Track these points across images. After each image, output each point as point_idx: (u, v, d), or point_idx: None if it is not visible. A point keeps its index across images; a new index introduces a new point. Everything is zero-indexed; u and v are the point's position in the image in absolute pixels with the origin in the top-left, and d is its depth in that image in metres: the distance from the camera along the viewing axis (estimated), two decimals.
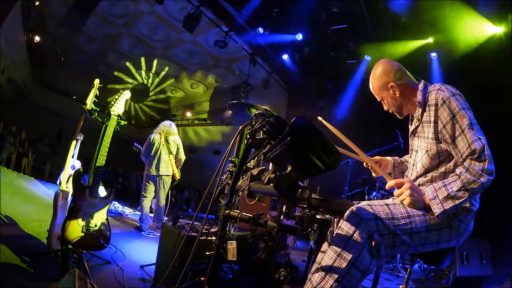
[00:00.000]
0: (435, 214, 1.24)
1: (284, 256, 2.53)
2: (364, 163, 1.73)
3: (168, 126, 4.68)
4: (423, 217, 1.27)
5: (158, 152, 4.48)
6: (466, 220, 1.33)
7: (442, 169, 1.39)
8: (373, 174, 1.76)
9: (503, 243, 3.99)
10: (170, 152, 4.52)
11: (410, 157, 1.59)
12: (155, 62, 11.79)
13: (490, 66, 4.90)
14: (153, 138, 4.53)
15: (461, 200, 1.21)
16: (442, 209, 1.22)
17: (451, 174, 1.29)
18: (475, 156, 1.22)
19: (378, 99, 1.61)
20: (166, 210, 4.68)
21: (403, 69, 1.53)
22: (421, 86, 1.47)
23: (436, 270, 4.02)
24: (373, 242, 1.20)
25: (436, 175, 1.40)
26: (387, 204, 1.30)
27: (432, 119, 1.37)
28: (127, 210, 5.85)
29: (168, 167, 4.51)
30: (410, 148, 1.60)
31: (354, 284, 1.18)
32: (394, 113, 1.60)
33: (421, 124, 1.46)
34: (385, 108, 1.61)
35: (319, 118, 1.55)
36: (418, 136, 1.50)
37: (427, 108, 1.41)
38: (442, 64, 5.85)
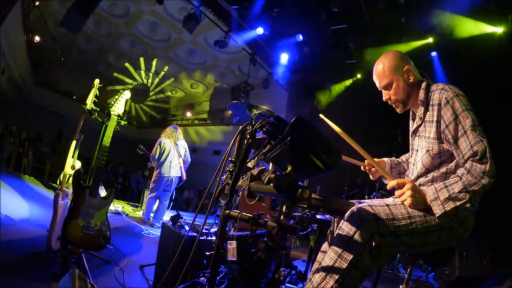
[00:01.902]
0: (436, 215, 1.24)
1: (284, 256, 2.52)
2: (362, 167, 1.72)
3: (175, 131, 5.06)
4: (424, 217, 1.27)
5: (170, 156, 4.85)
6: (466, 221, 1.32)
7: (443, 169, 1.39)
8: (371, 177, 1.74)
9: (503, 243, 3.98)
10: (179, 155, 4.94)
11: (411, 156, 1.58)
12: (155, 62, 11.78)
13: (491, 66, 4.91)
14: (164, 143, 4.89)
15: (462, 201, 1.21)
16: (443, 210, 1.22)
17: (452, 175, 1.29)
18: (477, 158, 1.22)
19: (383, 84, 1.51)
20: (169, 208, 5.13)
21: (413, 66, 1.53)
22: (424, 85, 1.47)
23: (436, 270, 4.02)
24: (373, 243, 1.20)
25: (437, 175, 1.39)
26: (387, 205, 1.30)
27: (435, 118, 1.37)
28: (127, 210, 5.85)
29: (178, 169, 4.92)
30: (410, 147, 1.59)
31: (355, 285, 1.18)
32: (395, 105, 1.54)
33: (423, 124, 1.45)
34: (385, 97, 1.54)
35: (321, 115, 1.51)
36: (419, 135, 1.49)
37: (430, 107, 1.40)
38: (443, 63, 5.85)
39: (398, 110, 1.57)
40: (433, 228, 1.27)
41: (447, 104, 1.32)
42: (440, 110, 1.35)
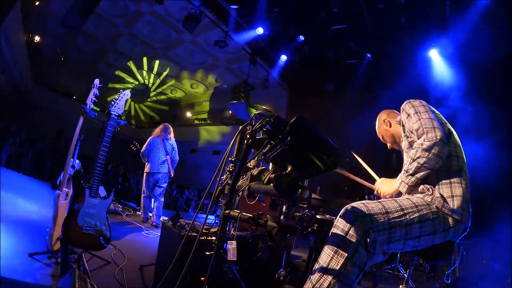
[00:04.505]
0: (400, 189, 1.47)
1: (284, 256, 2.53)
2: (375, 191, 1.81)
3: (165, 129, 5.24)
4: (415, 208, 1.33)
5: (157, 153, 5.05)
6: (456, 211, 1.35)
7: None
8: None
9: (503, 243, 3.98)
10: (167, 153, 5.13)
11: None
12: (155, 62, 11.78)
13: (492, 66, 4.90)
14: (153, 141, 5.10)
15: (414, 168, 1.40)
16: (405, 184, 1.44)
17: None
18: (422, 132, 1.42)
19: (381, 139, 1.91)
20: (163, 204, 5.21)
21: (394, 111, 1.89)
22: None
23: (435, 269, 4.02)
24: (368, 238, 1.22)
25: None
26: (379, 202, 1.35)
27: (401, 125, 1.65)
28: (127, 210, 5.85)
29: (165, 165, 5.11)
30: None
31: (352, 281, 1.20)
32: (396, 148, 1.83)
33: (401, 139, 1.69)
34: (389, 147, 1.88)
35: (352, 153, 1.86)
36: (405, 151, 1.67)
37: (402, 123, 1.65)
38: (442, 63, 5.85)
39: (397, 148, 1.85)
40: (425, 218, 1.32)
41: (403, 110, 1.62)
42: (401, 116, 1.63)
